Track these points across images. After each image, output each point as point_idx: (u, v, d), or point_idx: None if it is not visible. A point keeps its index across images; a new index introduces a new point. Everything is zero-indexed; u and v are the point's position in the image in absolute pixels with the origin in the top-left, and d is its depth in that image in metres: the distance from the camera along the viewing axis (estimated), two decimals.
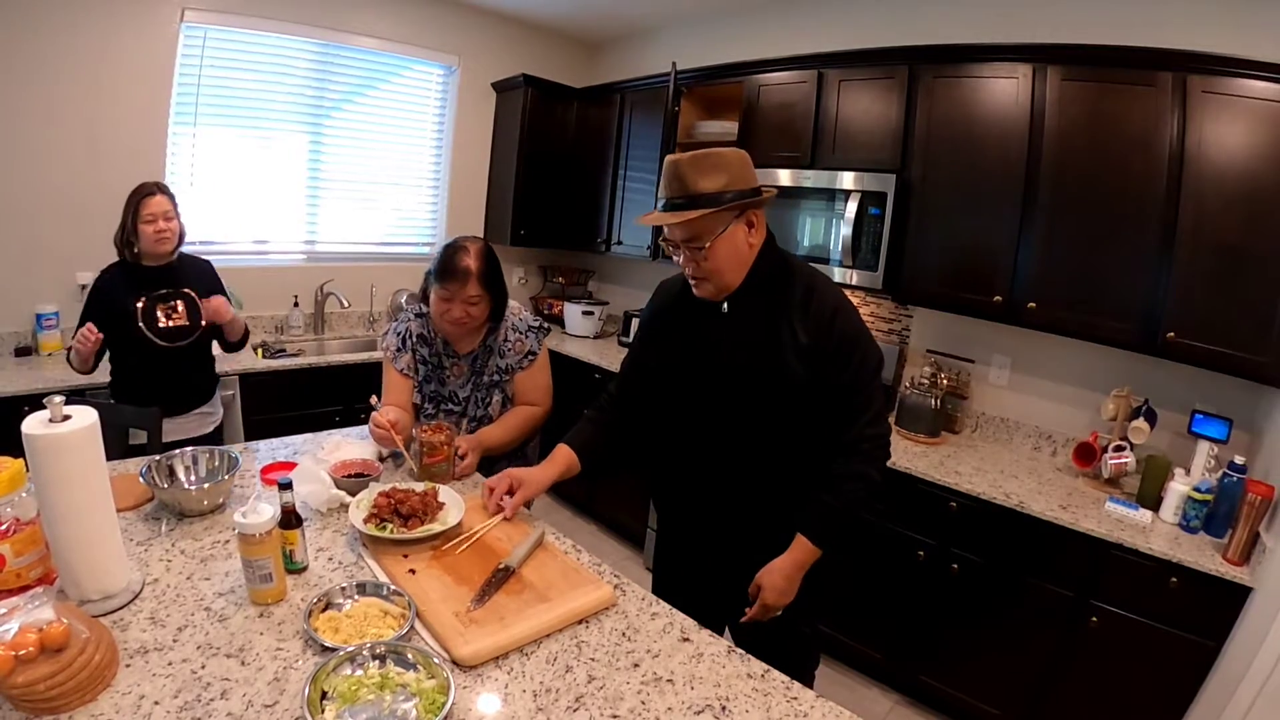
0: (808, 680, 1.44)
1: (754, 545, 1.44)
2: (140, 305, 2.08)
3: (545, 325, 1.88)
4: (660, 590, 1.56)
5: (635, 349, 1.56)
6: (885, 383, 2.83)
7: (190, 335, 2.16)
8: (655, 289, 1.58)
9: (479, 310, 1.66)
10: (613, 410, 1.53)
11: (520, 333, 1.79)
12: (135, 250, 2.06)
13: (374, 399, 1.71)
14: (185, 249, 2.20)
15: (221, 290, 2.25)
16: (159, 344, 2.10)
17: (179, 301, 2.14)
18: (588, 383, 3.35)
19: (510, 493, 1.42)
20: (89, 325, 1.96)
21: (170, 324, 2.12)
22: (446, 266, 1.62)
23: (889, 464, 1.89)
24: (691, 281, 1.36)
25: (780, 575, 1.36)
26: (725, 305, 1.36)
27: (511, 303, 1.81)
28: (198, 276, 2.21)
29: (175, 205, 2.10)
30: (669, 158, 1.28)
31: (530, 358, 1.80)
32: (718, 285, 1.33)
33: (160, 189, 2.08)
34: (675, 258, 1.34)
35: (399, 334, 1.81)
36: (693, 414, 1.43)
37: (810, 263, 2.98)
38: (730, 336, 1.35)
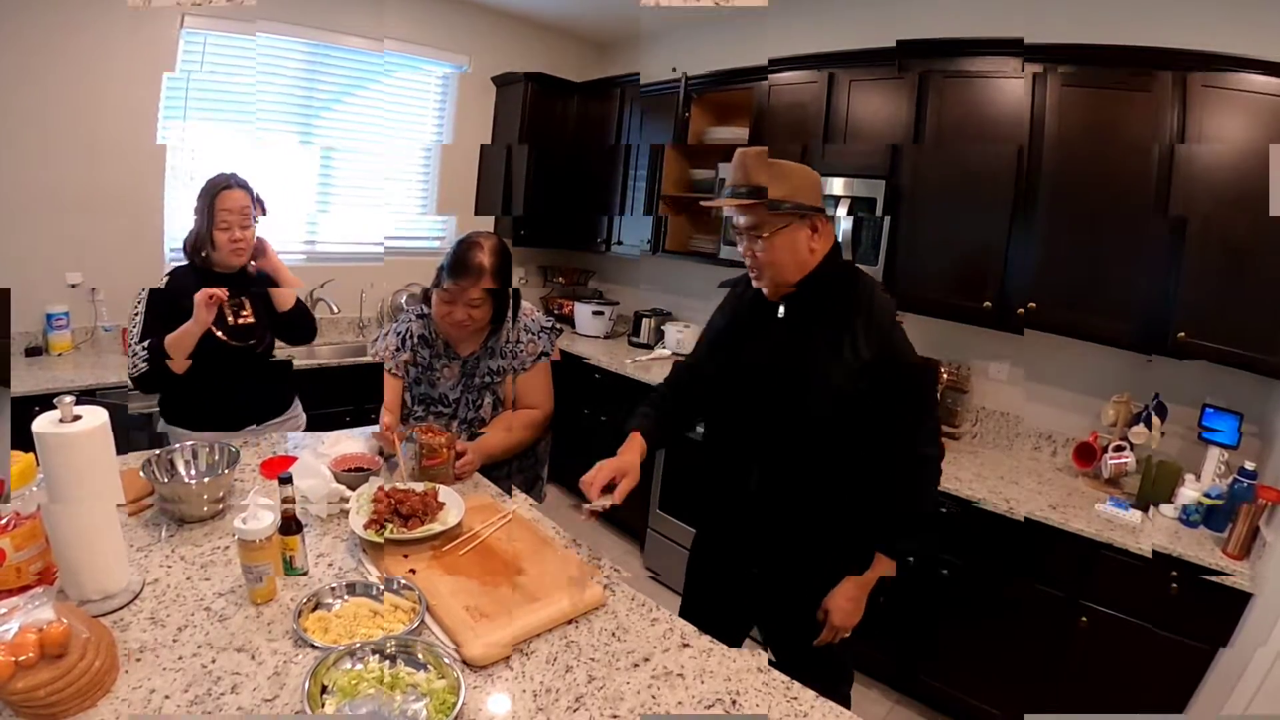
0: (843, 699, 1.40)
1: (795, 558, 1.42)
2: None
3: (558, 326, 1.88)
4: (690, 613, 1.48)
5: (699, 350, 1.56)
6: None
7: (259, 334, 1.92)
8: (726, 290, 1.56)
9: (480, 313, 1.64)
10: (666, 404, 1.53)
11: (533, 334, 1.77)
12: (206, 255, 1.83)
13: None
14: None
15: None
16: (230, 344, 1.84)
17: (245, 299, 1.89)
18: (588, 382, 3.35)
19: (612, 485, 1.33)
20: (208, 290, 1.70)
21: (239, 322, 1.87)
22: (459, 261, 1.59)
23: None
24: (751, 274, 1.38)
25: (845, 598, 1.40)
26: (781, 309, 1.36)
27: (524, 304, 1.80)
28: (262, 281, 1.98)
29: (255, 204, 1.84)
30: (739, 149, 1.33)
31: (542, 358, 1.79)
32: (773, 279, 1.33)
33: (238, 183, 1.83)
34: (739, 244, 1.36)
35: (399, 334, 1.80)
36: (740, 417, 1.43)
37: None
38: (784, 341, 1.35)
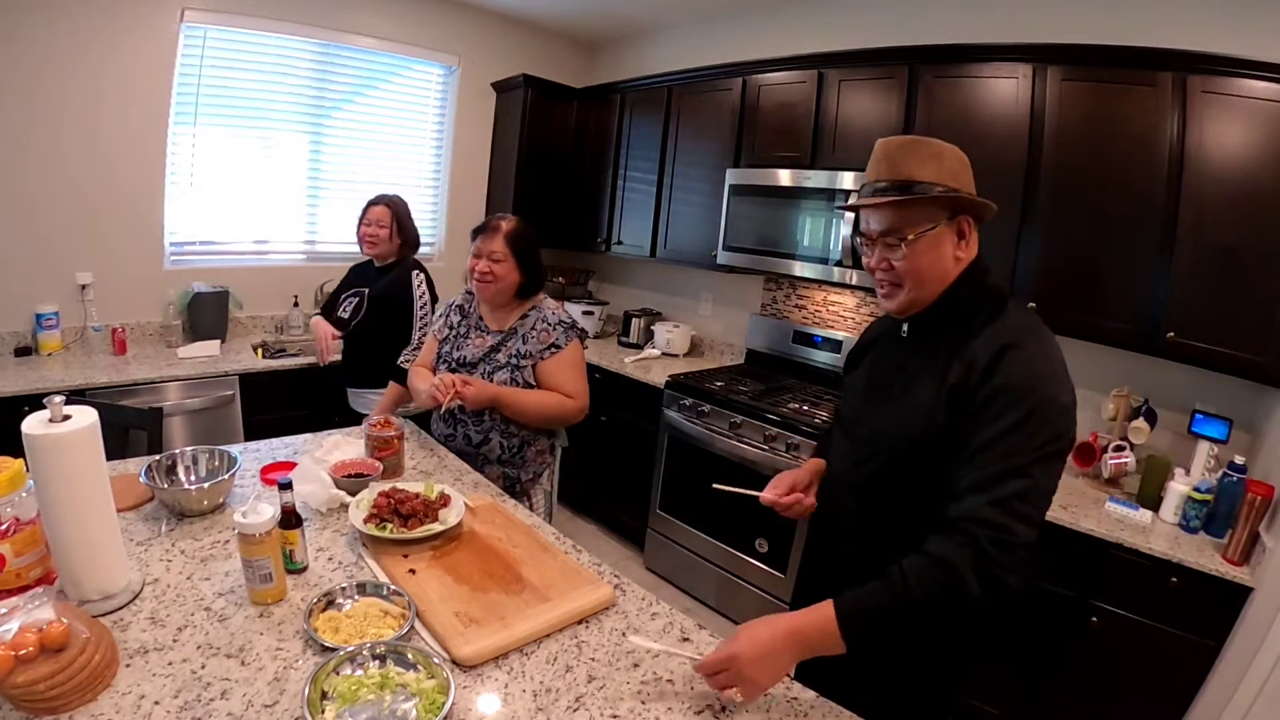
0: None
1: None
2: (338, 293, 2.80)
3: (580, 327, 1.91)
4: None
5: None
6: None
7: (347, 328, 2.64)
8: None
9: (502, 269, 1.79)
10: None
11: (549, 324, 1.84)
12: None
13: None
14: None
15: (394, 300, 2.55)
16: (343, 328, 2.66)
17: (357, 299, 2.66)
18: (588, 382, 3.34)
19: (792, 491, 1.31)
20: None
21: (342, 314, 2.69)
22: (483, 223, 1.86)
23: None
24: (880, 290, 1.16)
25: (763, 633, 0.96)
26: (905, 328, 1.17)
27: (551, 300, 1.93)
28: (386, 285, 2.61)
29: (395, 216, 2.68)
30: (880, 140, 1.15)
31: (553, 350, 1.82)
32: (909, 295, 1.11)
33: (383, 200, 2.71)
34: (866, 257, 1.15)
35: (448, 304, 2.02)
36: (842, 441, 1.25)
37: (810, 263, 2.89)
38: (900, 363, 1.16)
